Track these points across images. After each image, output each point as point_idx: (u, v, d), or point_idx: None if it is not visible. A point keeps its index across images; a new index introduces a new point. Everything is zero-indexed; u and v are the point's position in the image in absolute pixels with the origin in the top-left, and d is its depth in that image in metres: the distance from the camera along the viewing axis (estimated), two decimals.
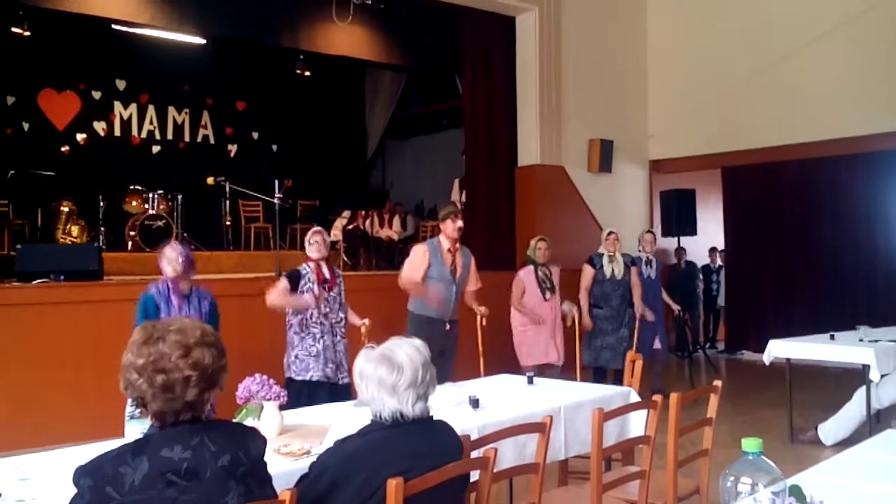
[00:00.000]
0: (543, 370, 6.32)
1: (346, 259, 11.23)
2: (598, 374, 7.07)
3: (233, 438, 1.94)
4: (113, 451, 1.83)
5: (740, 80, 10.51)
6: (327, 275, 5.25)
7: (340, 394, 5.05)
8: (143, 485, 1.77)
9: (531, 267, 6.83)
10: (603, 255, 7.16)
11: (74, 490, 1.81)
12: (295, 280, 5.17)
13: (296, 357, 5.16)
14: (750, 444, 1.47)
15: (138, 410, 1.95)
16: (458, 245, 5.82)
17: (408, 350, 2.34)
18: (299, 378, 5.12)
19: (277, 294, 5.13)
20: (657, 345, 7.62)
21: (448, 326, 5.73)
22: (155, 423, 1.90)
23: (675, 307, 8.45)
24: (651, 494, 3.27)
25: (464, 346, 6.18)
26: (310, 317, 5.13)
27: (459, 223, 5.77)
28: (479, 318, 6.03)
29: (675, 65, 11.33)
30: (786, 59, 10.11)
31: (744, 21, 10.56)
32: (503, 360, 6.55)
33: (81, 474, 1.80)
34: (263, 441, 2.05)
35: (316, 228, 5.40)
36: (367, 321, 5.37)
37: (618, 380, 6.74)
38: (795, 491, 1.60)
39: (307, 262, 5.27)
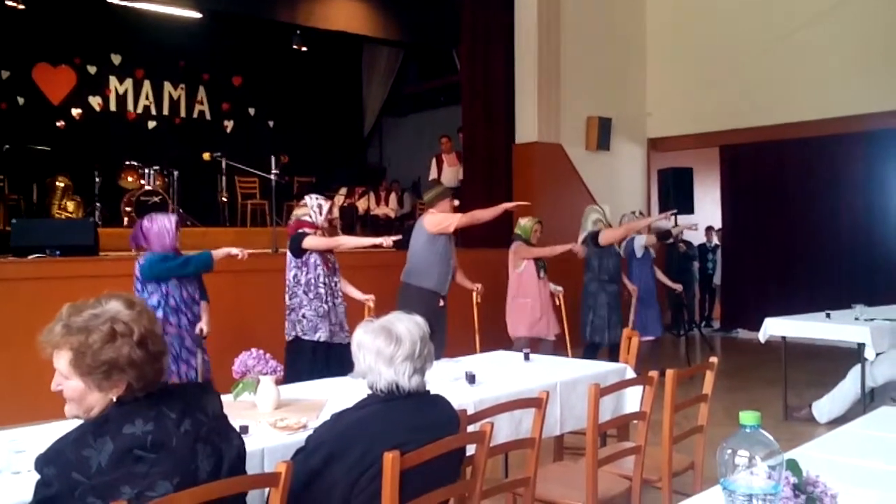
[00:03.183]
0: (535, 346, 6.30)
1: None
2: (591, 350, 7.04)
3: (189, 401, 1.91)
4: (70, 434, 1.80)
5: (739, 58, 10.46)
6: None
7: (344, 354, 4.98)
8: (112, 465, 1.74)
9: (523, 244, 6.79)
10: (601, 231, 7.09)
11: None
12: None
13: (303, 317, 5.08)
14: (748, 418, 1.47)
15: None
16: None
17: (408, 324, 2.35)
18: (307, 338, 5.06)
19: (332, 238, 5.13)
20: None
21: (441, 302, 5.73)
22: (127, 396, 1.85)
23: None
24: (646, 470, 3.29)
25: (458, 322, 6.18)
26: (317, 277, 5.09)
27: (456, 202, 5.83)
28: (474, 294, 6.06)
29: (675, 43, 11.27)
30: (785, 38, 10.05)
31: None
32: (498, 336, 6.56)
33: (43, 463, 1.77)
34: (217, 396, 2.03)
35: (324, 198, 5.34)
36: (371, 296, 5.35)
37: (614, 356, 6.76)
38: (792, 465, 1.60)
39: (301, 227, 5.16)
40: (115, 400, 1.85)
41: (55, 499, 1.75)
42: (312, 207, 5.18)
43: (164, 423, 1.83)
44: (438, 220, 5.77)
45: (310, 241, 5.05)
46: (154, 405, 1.85)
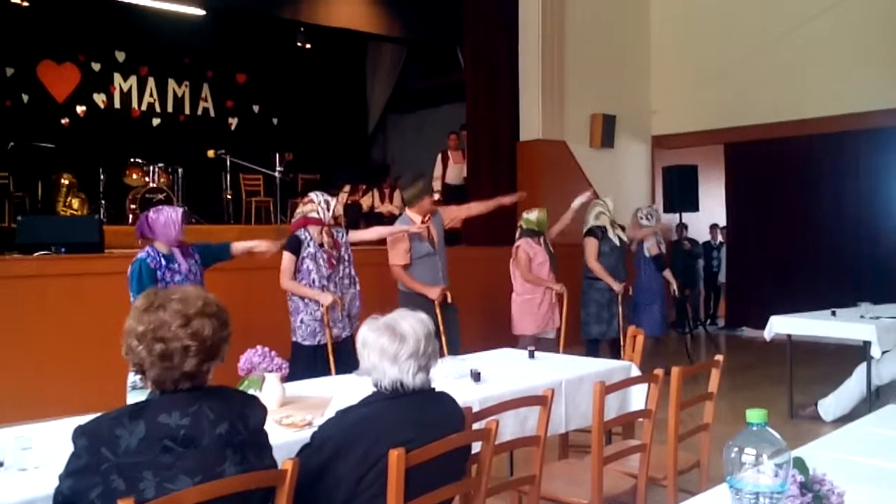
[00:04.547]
0: (537, 343, 6.24)
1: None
2: (591, 346, 7.02)
3: (232, 407, 1.94)
4: (111, 412, 1.84)
5: (743, 55, 10.43)
6: (335, 237, 5.13)
7: (348, 346, 4.89)
8: (139, 448, 1.78)
9: (533, 238, 6.69)
10: (604, 226, 7.06)
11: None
12: (296, 248, 5.02)
13: (301, 322, 5.01)
14: (754, 416, 1.46)
15: (139, 377, 1.96)
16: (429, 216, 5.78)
17: (411, 321, 2.34)
18: (307, 343, 4.99)
19: (289, 278, 5.02)
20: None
21: (450, 299, 5.70)
22: (154, 389, 1.90)
23: (674, 287, 7.84)
24: (651, 468, 3.29)
25: (461, 320, 6.14)
26: (312, 282, 5.01)
27: (437, 195, 5.78)
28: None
29: (679, 40, 11.24)
30: (789, 35, 10.03)
31: None
32: (500, 333, 6.53)
33: (78, 434, 1.81)
34: (263, 410, 2.05)
35: (327, 195, 5.28)
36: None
37: (614, 353, 6.73)
38: (798, 463, 1.59)
39: (308, 224, 5.08)
40: (149, 384, 1.91)
41: (83, 470, 1.79)
42: (319, 204, 5.10)
43: (200, 421, 1.86)
44: (395, 250, 5.71)
45: (284, 279, 5.02)
46: (196, 401, 1.88)
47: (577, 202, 6.99)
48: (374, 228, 5.85)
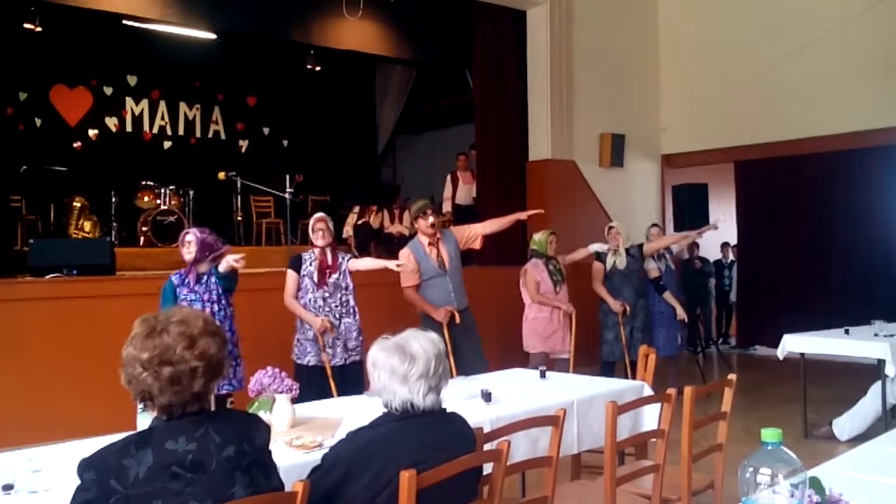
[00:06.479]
0: (550, 364, 6.25)
1: (356, 254, 11.22)
2: (606, 368, 7.04)
3: (237, 428, 1.93)
4: (116, 443, 1.82)
5: (753, 73, 10.43)
6: (330, 261, 5.28)
7: (347, 374, 5.06)
8: (148, 477, 1.76)
9: (540, 260, 6.78)
10: (608, 251, 7.17)
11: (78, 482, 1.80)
12: (297, 266, 5.29)
13: (297, 341, 5.28)
14: (769, 435, 1.45)
15: (142, 405, 1.95)
16: (438, 237, 5.76)
17: (422, 342, 2.33)
18: (299, 361, 5.24)
19: (291, 296, 5.27)
20: (679, 341, 7.62)
21: (458, 319, 5.70)
22: (161, 416, 1.89)
23: (681, 313, 7.57)
24: (665, 489, 3.25)
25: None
26: (307, 303, 5.21)
27: (431, 219, 5.70)
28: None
29: (688, 58, 11.26)
30: (799, 52, 10.03)
31: (756, 14, 10.48)
32: (510, 353, 6.52)
33: (85, 467, 1.79)
34: (267, 429, 2.04)
35: (319, 216, 5.37)
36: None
37: (631, 373, 6.72)
38: (814, 483, 1.58)
39: (312, 248, 5.32)
40: (146, 407, 1.91)
41: (91, 503, 1.76)
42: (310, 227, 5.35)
43: (207, 445, 1.84)
44: (405, 274, 5.69)
45: (286, 296, 5.27)
46: (202, 425, 1.87)
47: (593, 247, 7.24)
48: (367, 259, 5.94)
